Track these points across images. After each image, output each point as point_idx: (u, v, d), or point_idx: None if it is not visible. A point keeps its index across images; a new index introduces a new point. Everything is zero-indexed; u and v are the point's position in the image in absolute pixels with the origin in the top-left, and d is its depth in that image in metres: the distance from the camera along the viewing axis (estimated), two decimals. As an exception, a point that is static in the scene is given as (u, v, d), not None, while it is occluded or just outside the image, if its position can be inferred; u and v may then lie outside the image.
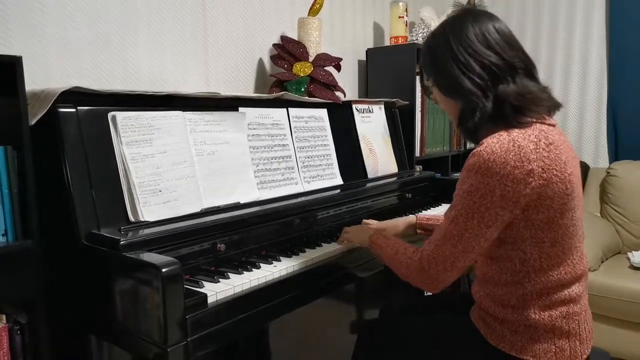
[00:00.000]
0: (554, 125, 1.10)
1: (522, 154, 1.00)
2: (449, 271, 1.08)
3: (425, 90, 1.27)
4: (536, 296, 1.09)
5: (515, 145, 1.01)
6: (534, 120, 1.06)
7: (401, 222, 1.58)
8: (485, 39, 1.09)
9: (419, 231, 1.57)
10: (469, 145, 3.00)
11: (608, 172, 2.75)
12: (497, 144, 1.02)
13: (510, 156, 1.00)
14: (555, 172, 1.02)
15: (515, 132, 1.04)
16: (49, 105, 1.13)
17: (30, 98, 1.15)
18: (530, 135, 1.03)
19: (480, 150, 1.03)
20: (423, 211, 1.95)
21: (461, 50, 1.09)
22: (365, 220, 1.58)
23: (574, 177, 1.07)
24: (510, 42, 1.11)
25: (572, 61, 3.03)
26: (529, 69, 1.11)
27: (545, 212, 1.04)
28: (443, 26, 1.16)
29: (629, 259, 2.44)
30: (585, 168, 2.93)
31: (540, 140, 1.03)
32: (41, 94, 1.16)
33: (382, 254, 1.26)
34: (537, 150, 1.02)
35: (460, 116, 1.14)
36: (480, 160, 1.02)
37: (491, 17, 1.13)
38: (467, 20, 1.11)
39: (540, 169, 1.01)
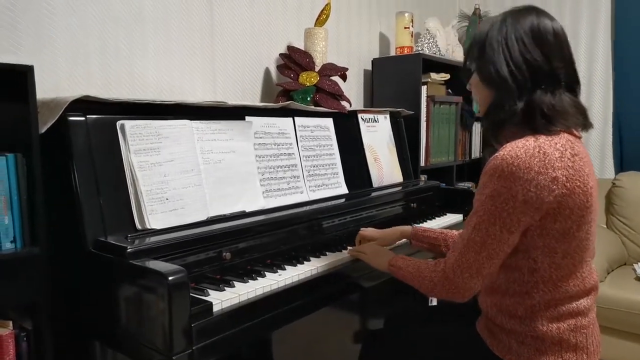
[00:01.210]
0: (579, 138, 1.10)
1: (546, 161, 1.00)
2: (475, 278, 1.07)
3: (463, 73, 1.24)
4: (544, 307, 1.08)
5: (541, 152, 1.01)
6: (562, 129, 1.06)
7: (397, 231, 1.56)
8: (541, 37, 1.07)
9: (414, 242, 1.54)
10: (474, 155, 3.00)
11: (614, 183, 2.74)
12: (522, 148, 1.01)
13: (535, 162, 1.00)
14: (578, 183, 1.02)
15: (542, 139, 1.03)
16: (59, 114, 1.14)
17: (41, 106, 1.17)
18: (556, 144, 1.03)
19: (504, 154, 1.02)
20: (428, 221, 1.95)
21: (514, 42, 1.07)
22: (362, 229, 1.57)
23: (594, 191, 1.06)
24: (563, 50, 1.09)
25: (577, 73, 3.04)
26: (572, 85, 1.10)
27: (563, 222, 1.03)
28: (504, 14, 1.12)
29: (634, 270, 2.43)
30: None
31: (566, 150, 1.03)
32: (51, 103, 1.17)
33: (404, 274, 1.23)
34: (562, 159, 1.01)
35: (488, 108, 1.13)
36: (503, 164, 1.01)
37: (552, 18, 1.11)
38: (528, 14, 1.09)
39: (564, 178, 1.01)
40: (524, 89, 1.06)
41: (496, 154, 1.04)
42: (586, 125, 1.12)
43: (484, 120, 1.16)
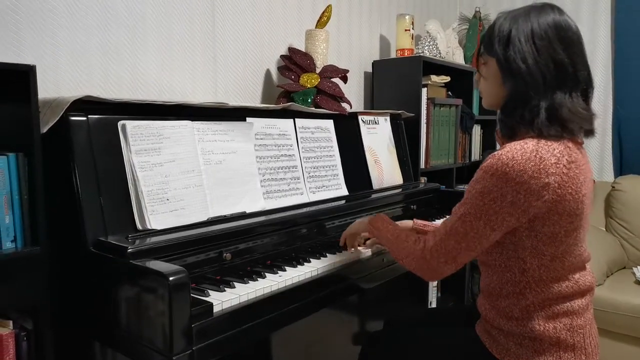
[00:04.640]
0: (581, 144, 1.11)
1: (541, 166, 1.01)
2: (450, 264, 1.11)
3: (478, 63, 1.22)
4: (539, 307, 1.09)
5: (537, 156, 1.01)
6: (566, 136, 1.06)
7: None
8: (565, 35, 1.07)
9: None
10: (474, 157, 3.00)
11: (613, 187, 2.75)
12: (520, 151, 1.02)
13: (530, 166, 1.00)
14: (570, 190, 1.02)
15: (542, 143, 1.03)
16: (61, 114, 1.14)
17: (42, 106, 1.17)
18: (554, 150, 1.03)
19: (501, 154, 1.03)
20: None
21: (541, 38, 1.06)
22: None
23: (586, 199, 1.07)
24: (583, 51, 1.09)
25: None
26: (587, 90, 1.11)
27: (552, 226, 1.04)
28: (526, 9, 1.11)
29: (634, 273, 2.43)
30: (590, 182, 2.92)
31: (563, 156, 1.03)
32: (53, 102, 1.18)
33: (382, 238, 1.28)
34: (558, 166, 1.02)
35: (509, 102, 1.11)
36: (498, 164, 1.02)
37: (571, 18, 1.11)
38: (551, 12, 1.09)
39: (556, 184, 1.01)
40: (548, 87, 1.06)
41: (494, 152, 1.05)
42: (591, 131, 1.13)
43: (502, 114, 1.13)
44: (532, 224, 1.05)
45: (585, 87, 1.10)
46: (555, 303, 1.09)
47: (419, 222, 1.57)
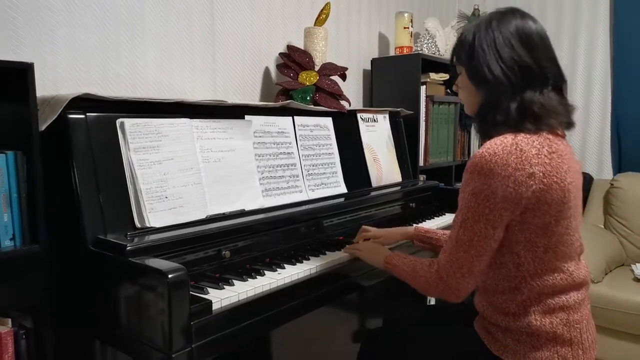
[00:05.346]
0: (562, 137, 1.12)
1: (523, 158, 1.02)
2: (467, 277, 1.09)
3: (453, 72, 1.25)
4: (535, 302, 1.10)
5: (518, 148, 1.03)
6: (544, 129, 1.07)
7: (399, 232, 1.58)
8: (527, 39, 1.09)
9: (416, 243, 1.57)
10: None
11: (612, 184, 2.75)
12: (500, 146, 1.03)
13: (512, 159, 1.02)
14: (555, 179, 1.04)
15: (521, 137, 1.05)
16: (59, 112, 1.14)
17: (41, 104, 1.17)
18: (534, 142, 1.05)
19: (483, 152, 1.04)
20: (426, 220, 1.95)
21: (503, 44, 1.09)
22: (364, 227, 1.59)
23: (573, 187, 1.08)
24: (548, 50, 1.11)
25: (575, 75, 3.03)
26: (558, 84, 1.12)
27: (542, 217, 1.05)
28: (489, 16, 1.14)
29: (632, 271, 2.44)
30: (589, 179, 2.93)
31: (543, 147, 1.05)
32: (51, 100, 1.18)
33: (400, 272, 1.25)
34: (539, 156, 1.03)
35: (482, 107, 1.14)
36: (482, 162, 1.04)
37: (535, 20, 1.13)
38: (513, 17, 1.11)
39: (541, 174, 1.03)
40: (516, 89, 1.08)
41: (476, 152, 1.07)
42: (570, 123, 1.13)
43: (477, 120, 1.17)
44: (523, 217, 1.05)
45: (555, 82, 1.11)
46: (550, 297, 1.10)
47: (421, 227, 1.57)
